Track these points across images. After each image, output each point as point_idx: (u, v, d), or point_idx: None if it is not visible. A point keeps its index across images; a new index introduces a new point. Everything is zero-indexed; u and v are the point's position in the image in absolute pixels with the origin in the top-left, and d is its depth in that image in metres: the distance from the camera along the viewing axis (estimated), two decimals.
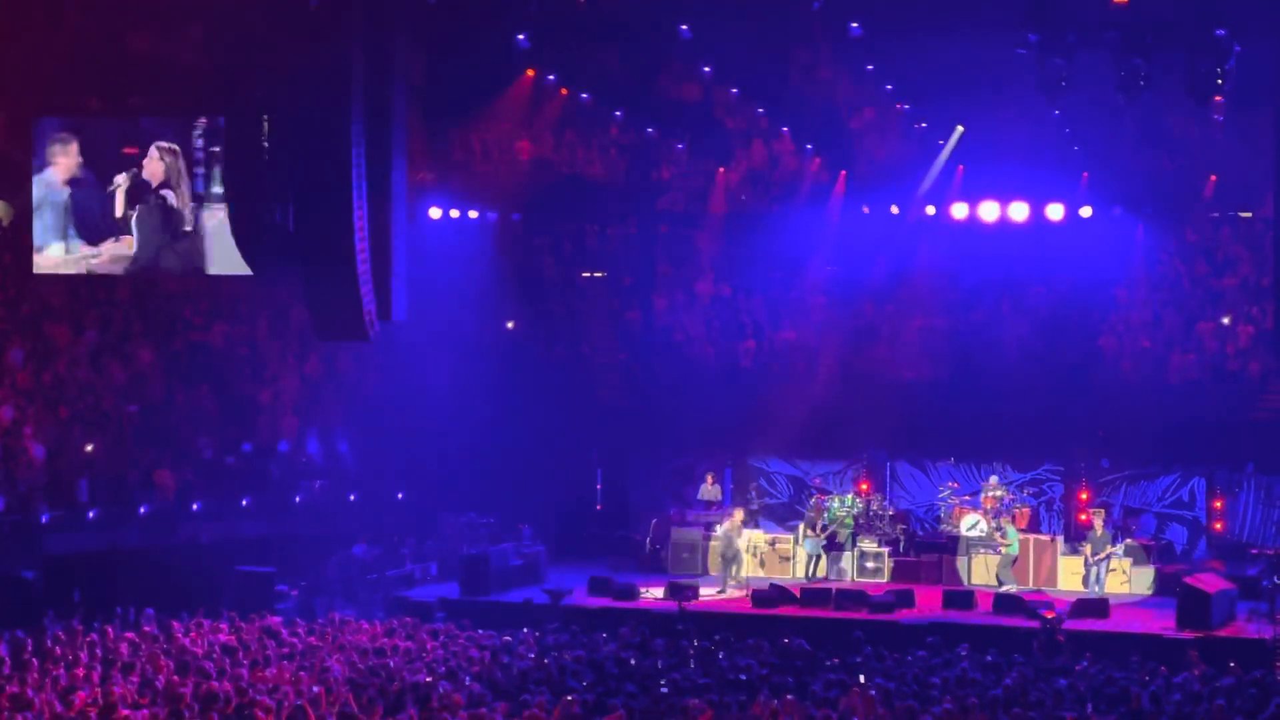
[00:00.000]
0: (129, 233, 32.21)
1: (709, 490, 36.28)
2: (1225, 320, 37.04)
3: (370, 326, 28.11)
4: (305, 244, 28.65)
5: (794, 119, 36.88)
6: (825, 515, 34.36)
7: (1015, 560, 32.95)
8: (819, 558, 33.89)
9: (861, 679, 22.88)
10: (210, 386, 36.04)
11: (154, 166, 32.26)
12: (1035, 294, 38.51)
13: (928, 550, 34.28)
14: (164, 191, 32.18)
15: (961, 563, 33.59)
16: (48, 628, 26.41)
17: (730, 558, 33.42)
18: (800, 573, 34.03)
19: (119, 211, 32.55)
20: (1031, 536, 33.76)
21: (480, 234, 39.58)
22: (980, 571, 33.30)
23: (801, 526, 34.78)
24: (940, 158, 38.14)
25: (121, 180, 32.45)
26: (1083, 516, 34.00)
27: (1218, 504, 35.97)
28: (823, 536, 33.94)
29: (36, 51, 33.30)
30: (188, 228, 31.65)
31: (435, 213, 38.28)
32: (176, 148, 32.26)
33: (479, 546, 33.65)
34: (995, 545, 33.02)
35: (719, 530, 33.90)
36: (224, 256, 31.31)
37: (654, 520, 35.65)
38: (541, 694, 21.33)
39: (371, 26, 27.59)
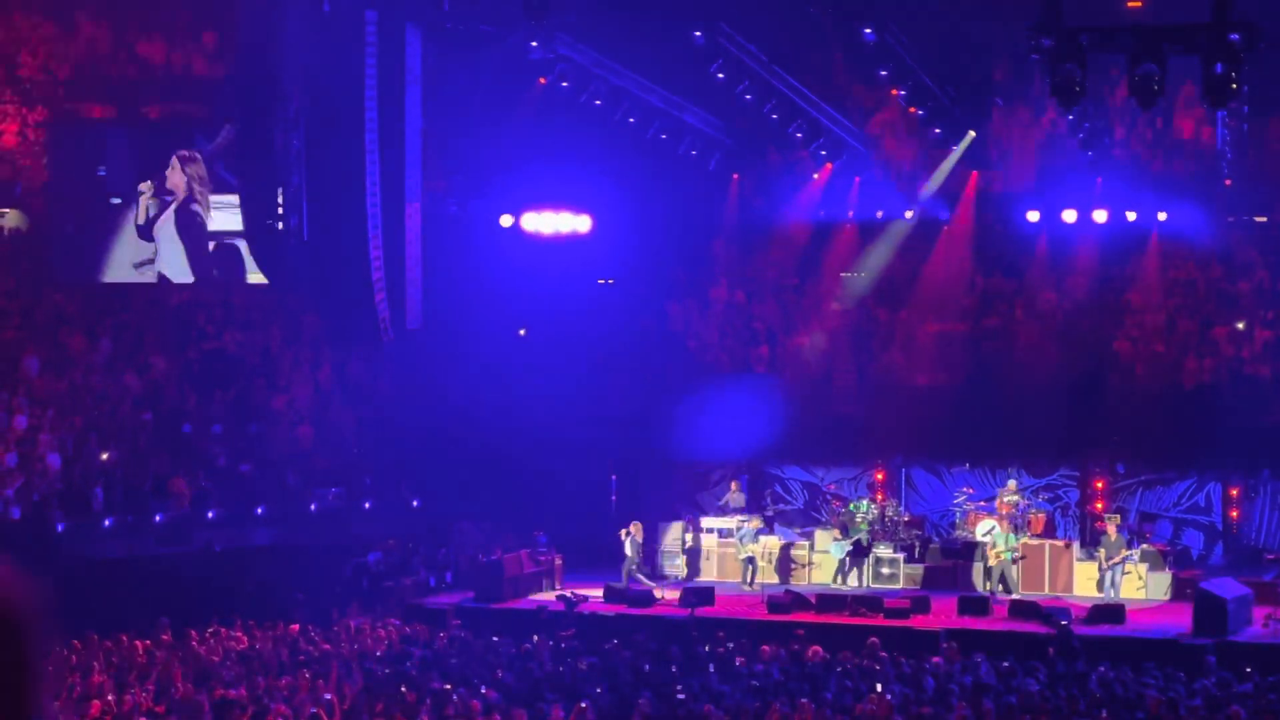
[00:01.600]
0: (152, 240, 32.38)
1: (734, 497, 36.26)
2: (1240, 325, 36.93)
3: (384, 333, 28.08)
4: (320, 251, 28.62)
5: (807, 124, 36.82)
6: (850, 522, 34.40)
7: (1015, 562, 32.86)
8: (847, 562, 33.83)
9: (878, 686, 22.87)
10: (224, 394, 36.08)
11: (176, 177, 32.35)
12: (1049, 299, 38.43)
13: (943, 556, 34.24)
14: (193, 207, 32.34)
15: (977, 569, 33.52)
16: (63, 636, 26.42)
17: (634, 565, 33.56)
18: (818, 578, 33.98)
19: (141, 219, 32.65)
20: (1047, 542, 33.68)
21: (494, 240, 39.55)
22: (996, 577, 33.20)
23: (823, 531, 34.73)
24: (950, 161, 38.13)
25: (145, 188, 32.54)
26: (1098, 522, 33.94)
27: (1234, 514, 35.94)
28: (849, 541, 33.92)
29: (50, 61, 33.39)
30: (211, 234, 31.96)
31: (450, 219, 38.28)
32: (197, 155, 32.36)
33: (494, 553, 33.63)
34: (1012, 550, 32.90)
35: (624, 539, 33.95)
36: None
37: (668, 526, 35.60)
38: (557, 701, 21.34)
39: (386, 31, 27.56)
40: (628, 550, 33.73)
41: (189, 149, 32.62)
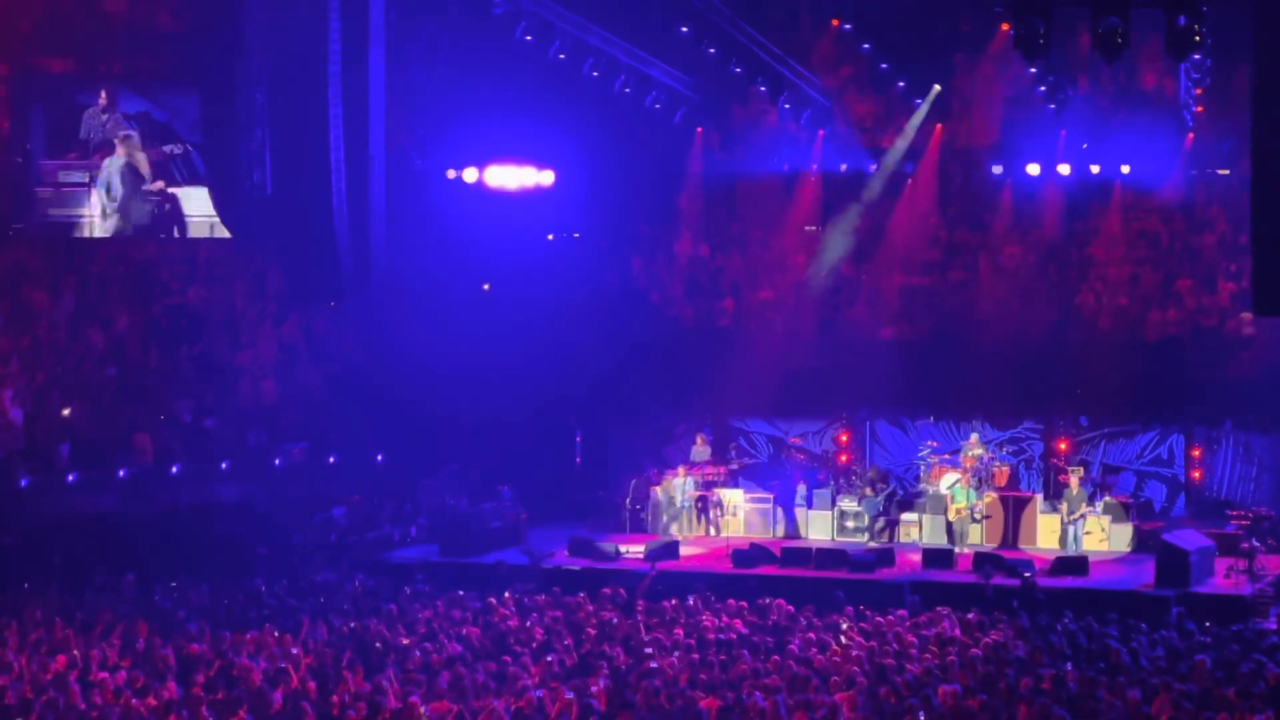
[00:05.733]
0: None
1: (700, 450, 36.26)
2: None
3: (348, 288, 27.96)
4: (283, 206, 28.49)
5: (771, 78, 36.78)
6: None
7: (976, 521, 32.95)
8: (877, 518, 33.75)
9: (843, 639, 22.94)
10: (188, 350, 35.98)
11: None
12: (1013, 252, 38.49)
13: (907, 509, 34.27)
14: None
15: (930, 521, 33.50)
16: (27, 592, 26.40)
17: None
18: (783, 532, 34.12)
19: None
20: (1010, 494, 33.74)
21: (461, 195, 39.44)
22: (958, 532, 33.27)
23: (858, 488, 34.72)
24: (917, 115, 38.21)
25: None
26: (1061, 475, 34.02)
27: (1196, 474, 36.11)
28: (881, 497, 33.91)
29: (8, 13, 33.11)
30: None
31: (413, 174, 38.14)
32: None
33: (464, 497, 33.66)
34: (973, 507, 32.97)
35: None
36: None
37: (633, 480, 35.58)
38: (523, 655, 21.38)
39: None
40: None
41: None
